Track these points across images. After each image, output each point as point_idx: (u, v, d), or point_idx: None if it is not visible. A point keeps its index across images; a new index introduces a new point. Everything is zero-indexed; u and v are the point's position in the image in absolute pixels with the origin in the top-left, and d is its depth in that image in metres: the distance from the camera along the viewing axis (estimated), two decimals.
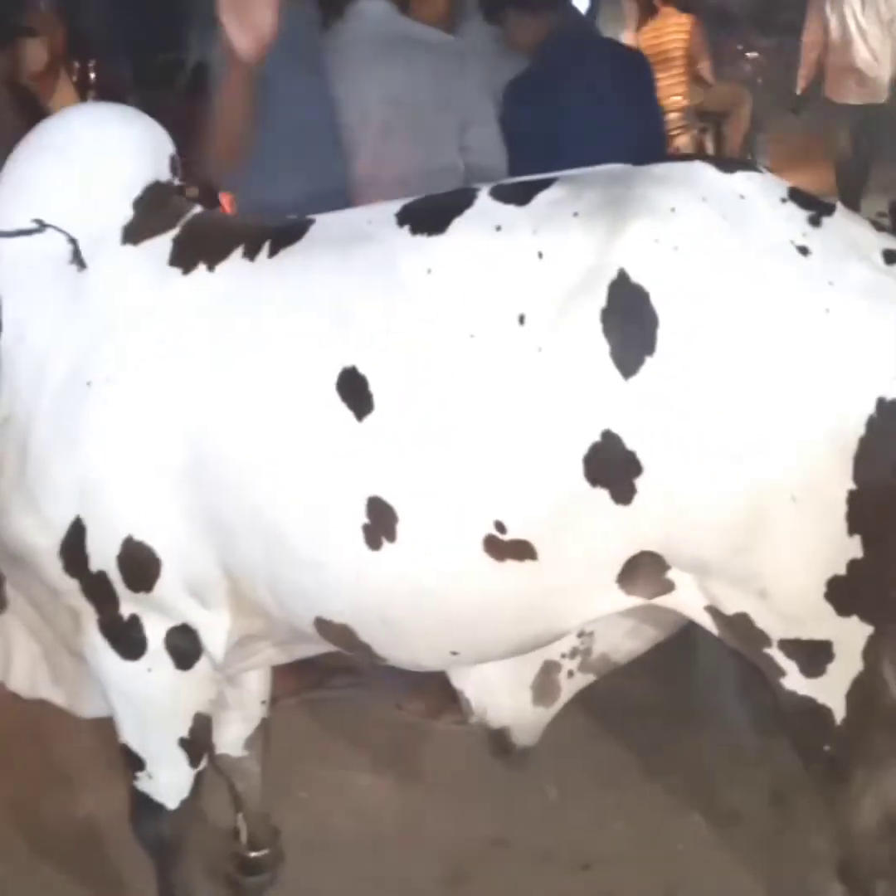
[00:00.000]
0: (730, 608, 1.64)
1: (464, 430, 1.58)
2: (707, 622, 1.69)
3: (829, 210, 1.62)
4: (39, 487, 1.73)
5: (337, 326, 1.64)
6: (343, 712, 2.85)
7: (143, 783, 1.91)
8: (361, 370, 1.61)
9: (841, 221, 1.62)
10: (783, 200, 1.61)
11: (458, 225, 1.66)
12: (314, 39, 2.71)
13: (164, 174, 1.86)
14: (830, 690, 1.68)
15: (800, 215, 1.59)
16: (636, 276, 1.54)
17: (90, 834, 2.43)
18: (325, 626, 1.74)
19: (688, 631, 1.83)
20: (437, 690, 2.50)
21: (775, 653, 1.66)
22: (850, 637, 1.64)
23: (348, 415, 1.61)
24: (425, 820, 2.49)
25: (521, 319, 1.57)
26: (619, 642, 1.92)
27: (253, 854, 2.32)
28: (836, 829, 1.86)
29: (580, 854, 2.39)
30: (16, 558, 1.82)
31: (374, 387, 1.61)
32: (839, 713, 1.69)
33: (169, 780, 1.91)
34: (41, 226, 1.76)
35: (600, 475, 1.56)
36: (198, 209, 1.87)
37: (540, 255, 1.59)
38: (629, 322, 1.54)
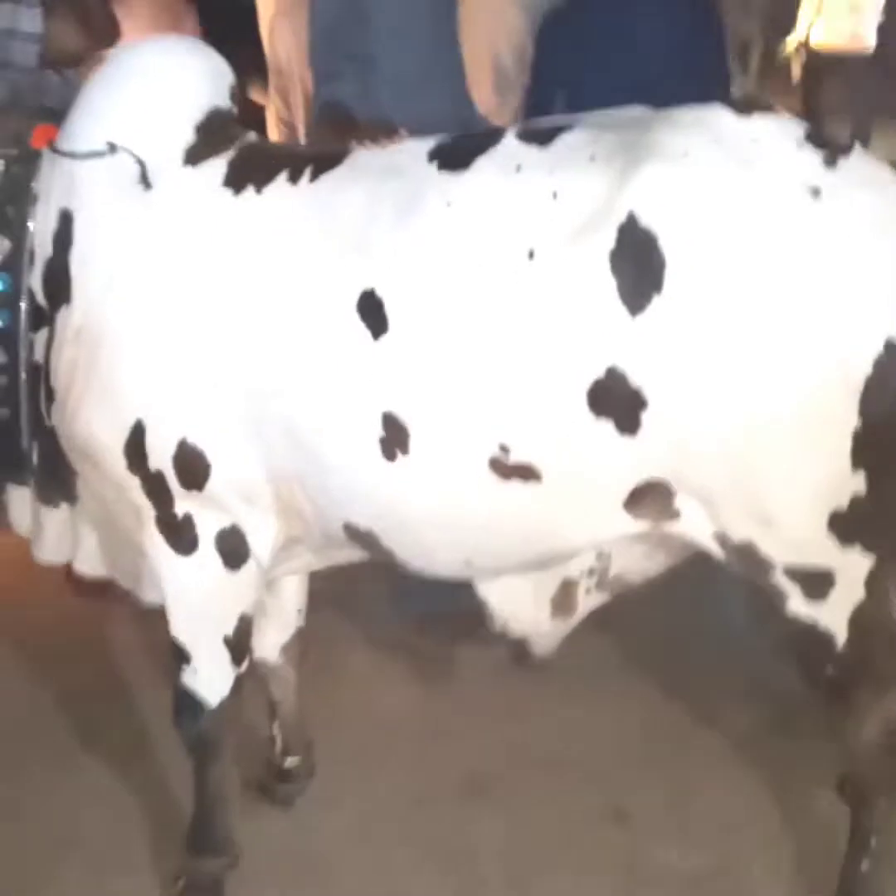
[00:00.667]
0: (735, 536, 1.71)
1: (470, 355, 1.67)
2: (714, 548, 1.76)
3: (845, 150, 1.64)
4: (107, 391, 1.87)
5: (361, 250, 1.74)
6: (371, 632, 2.96)
7: (188, 677, 2.03)
8: (379, 292, 1.71)
9: (858, 161, 1.64)
10: (799, 142, 1.63)
11: (481, 163, 1.73)
12: None
13: (225, 102, 1.97)
14: (832, 615, 1.75)
15: (815, 157, 1.61)
16: (645, 219, 1.59)
17: (138, 738, 2.56)
18: (352, 531, 1.86)
19: (707, 560, 1.89)
20: (459, 617, 2.59)
21: (779, 578, 1.73)
22: (852, 566, 1.70)
23: (367, 334, 1.71)
24: (445, 729, 2.59)
25: (531, 254, 1.64)
26: (633, 564, 1.99)
27: (287, 762, 2.44)
28: (840, 746, 1.94)
29: (592, 768, 2.49)
30: (87, 456, 1.96)
31: (389, 308, 1.70)
32: (841, 637, 1.76)
33: (211, 677, 2.03)
34: (112, 148, 1.89)
35: (604, 407, 1.62)
36: (253, 135, 1.98)
37: (554, 194, 1.65)
38: (637, 263, 1.58)
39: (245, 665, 2.07)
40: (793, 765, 2.41)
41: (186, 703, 2.06)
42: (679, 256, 1.57)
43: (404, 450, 1.72)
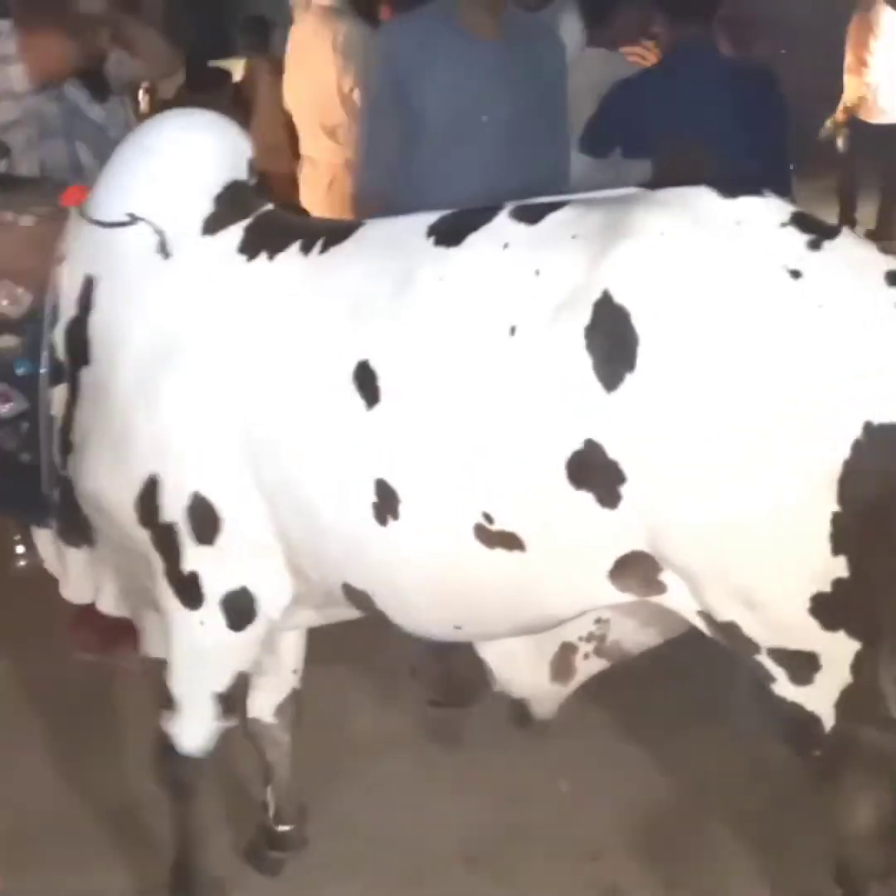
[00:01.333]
0: (719, 615, 1.69)
1: (455, 427, 1.70)
2: (701, 625, 1.75)
3: (831, 233, 1.64)
4: (121, 448, 1.93)
5: (358, 321, 1.79)
6: (365, 693, 2.96)
7: (171, 725, 2.08)
8: (372, 364, 1.76)
9: (844, 244, 1.63)
10: (783, 224, 1.63)
11: (472, 240, 1.77)
12: None
13: (242, 173, 2.04)
14: (819, 699, 1.72)
15: (798, 239, 1.61)
16: (619, 296, 1.60)
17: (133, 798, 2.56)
18: (350, 591, 1.89)
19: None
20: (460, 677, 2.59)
21: (765, 659, 1.71)
22: (837, 650, 1.68)
23: (361, 403, 1.76)
24: (440, 801, 2.57)
25: (512, 331, 1.67)
26: (631, 633, 2.00)
27: (279, 828, 2.42)
28: (832, 830, 1.91)
29: (590, 845, 2.45)
30: (100, 510, 2.02)
31: (381, 380, 1.75)
32: (828, 720, 1.73)
33: (193, 731, 2.08)
34: (133, 219, 1.97)
35: (584, 480, 1.63)
36: (271, 206, 2.04)
37: (537, 272, 1.68)
38: (611, 339, 1.60)
39: (232, 721, 2.11)
40: (793, 846, 2.35)
41: (166, 747, 2.10)
42: (651, 334, 1.59)
43: (395, 515, 1.76)
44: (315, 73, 4.64)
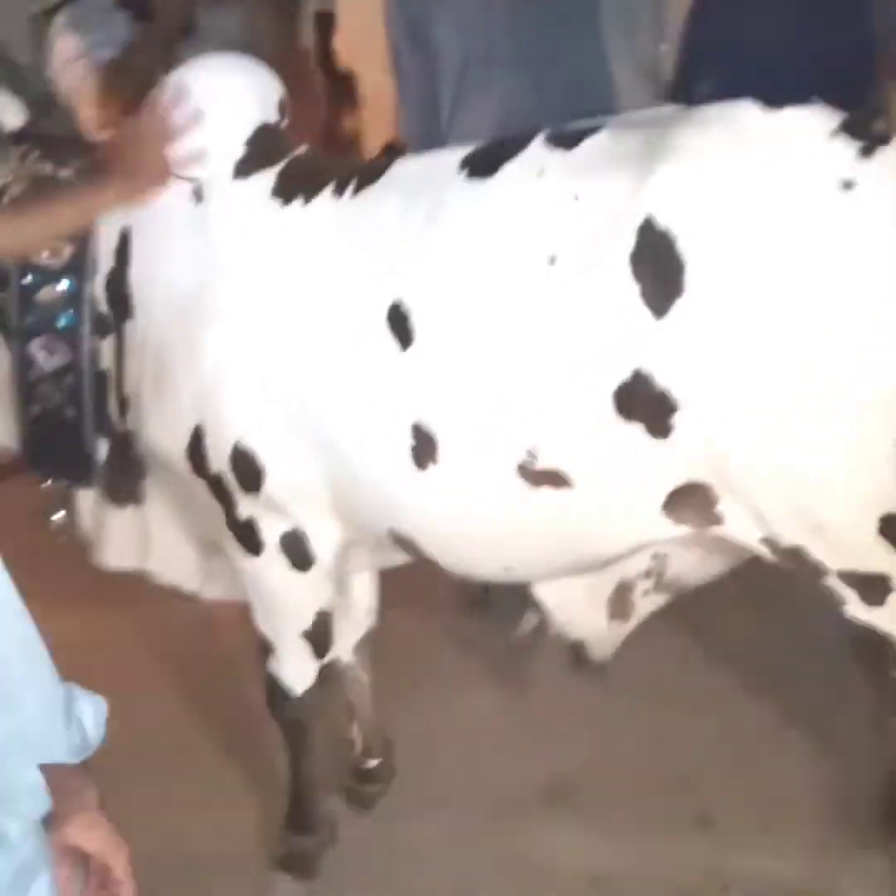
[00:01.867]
0: (784, 541, 1.66)
1: (494, 362, 1.67)
2: (764, 552, 1.71)
3: (885, 139, 1.56)
4: (169, 399, 1.95)
5: (390, 262, 1.77)
6: (443, 631, 2.98)
7: (274, 666, 2.12)
8: (405, 304, 1.73)
9: None
10: (832, 133, 1.56)
11: (506, 169, 1.73)
12: None
13: (273, 116, 2.01)
14: (892, 619, 1.69)
15: (849, 148, 1.54)
16: (663, 221, 1.56)
17: (249, 719, 2.58)
18: (396, 537, 1.89)
19: None
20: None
21: (835, 582, 1.68)
22: None
23: (395, 345, 1.73)
24: (525, 738, 2.58)
25: (552, 260, 1.63)
26: (691, 566, 1.96)
27: (367, 763, 2.47)
28: None
29: (678, 770, 2.45)
30: (160, 460, 2.06)
31: (415, 320, 1.72)
32: None
33: (295, 668, 2.11)
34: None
35: (633, 411, 1.60)
36: (302, 148, 2.02)
37: (576, 198, 1.64)
38: (658, 265, 1.56)
39: (329, 657, 2.15)
40: (886, 768, 2.29)
41: (275, 690, 2.15)
42: (698, 258, 1.54)
43: (434, 459, 1.74)
44: None
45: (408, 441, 1.75)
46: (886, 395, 1.52)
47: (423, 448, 1.74)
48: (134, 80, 2.11)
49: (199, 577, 2.23)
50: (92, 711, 1.12)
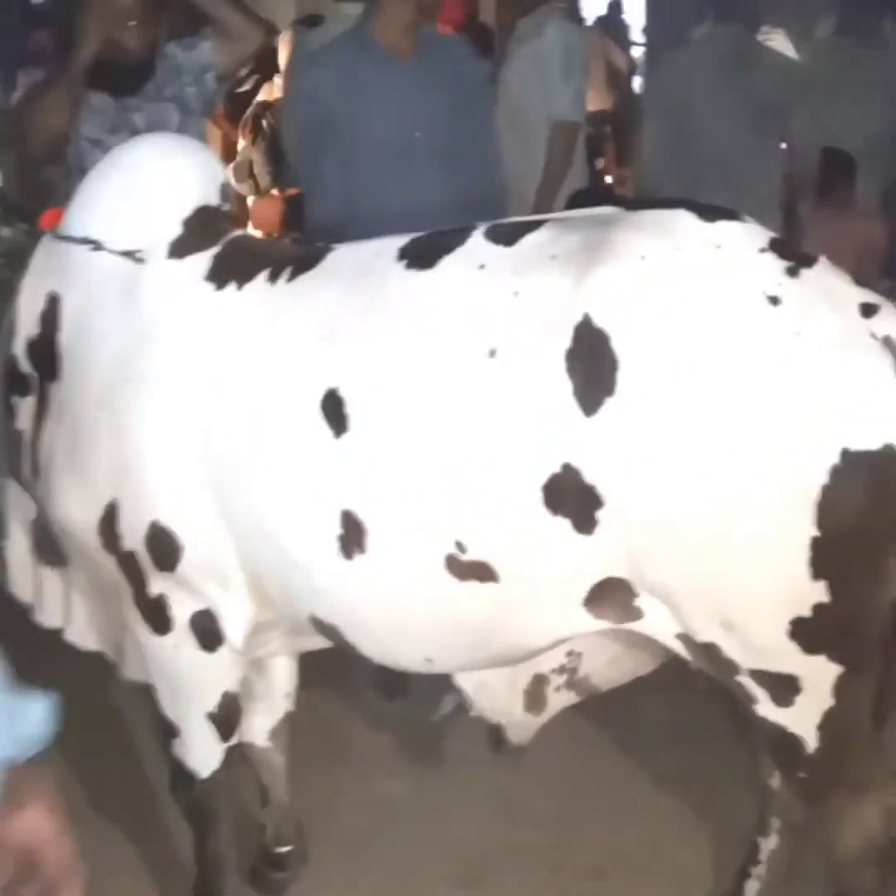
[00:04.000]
0: (698, 637, 1.69)
1: (427, 454, 1.68)
2: (679, 648, 1.75)
3: (809, 262, 1.64)
4: (84, 470, 1.92)
5: (327, 350, 1.78)
6: (362, 712, 2.97)
7: (178, 750, 2.09)
8: (341, 392, 1.74)
9: (821, 273, 1.63)
10: (762, 250, 1.63)
11: (447, 262, 1.76)
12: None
13: (214, 199, 2.04)
14: (801, 721, 1.72)
15: (777, 266, 1.61)
16: (599, 320, 1.60)
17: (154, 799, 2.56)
18: (318, 624, 1.88)
19: None
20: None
21: (746, 680, 1.71)
22: (818, 674, 1.67)
23: (328, 432, 1.74)
24: (442, 822, 2.57)
25: (492, 353, 1.66)
26: (602, 668, 1.99)
27: (278, 849, 2.44)
28: (824, 850, 1.90)
29: (594, 862, 2.46)
30: (67, 533, 2.01)
31: (350, 408, 1.73)
32: (811, 742, 1.72)
33: (199, 751, 2.08)
34: (96, 246, 1.97)
35: (561, 505, 1.63)
36: (240, 232, 2.04)
37: (516, 293, 1.67)
38: (591, 363, 1.60)
39: (235, 739, 2.11)
40: (800, 862, 2.30)
41: (179, 773, 2.11)
42: (631, 359, 1.58)
43: (361, 549, 1.74)
44: None
45: (336, 529, 1.75)
46: (798, 500, 1.56)
47: (351, 536, 1.74)
48: None
49: (117, 652, 2.19)
50: (40, 707, 1.11)
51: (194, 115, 2.92)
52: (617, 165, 5.54)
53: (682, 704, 2.75)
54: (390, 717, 2.93)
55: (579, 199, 5.28)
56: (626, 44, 6.72)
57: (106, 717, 2.89)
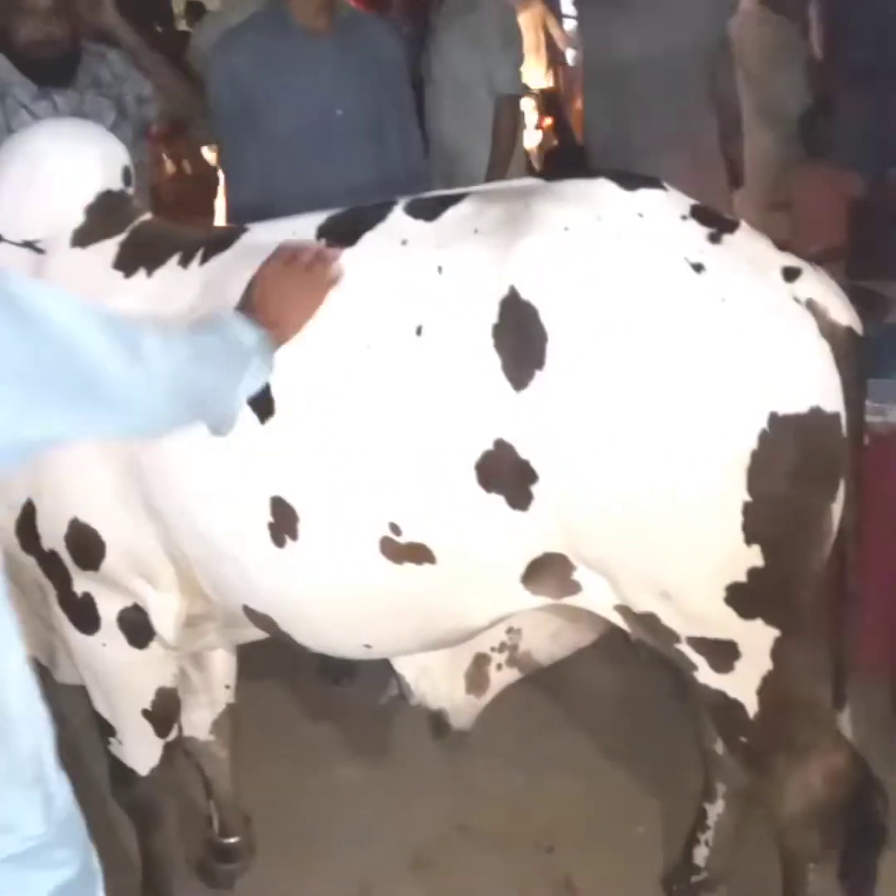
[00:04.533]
0: (637, 607, 1.69)
1: (358, 435, 1.65)
2: (619, 620, 1.75)
3: (731, 227, 1.63)
4: None
5: None
6: (307, 699, 2.94)
7: (115, 748, 2.06)
8: None
9: (743, 239, 1.63)
10: (683, 218, 1.62)
11: (368, 239, 1.72)
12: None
13: (116, 184, 1.97)
14: (740, 686, 1.72)
15: (699, 232, 1.60)
16: (525, 293, 1.58)
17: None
18: (251, 614, 1.85)
19: None
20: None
21: (685, 648, 1.71)
22: (756, 638, 1.68)
23: (253, 417, 1.69)
24: (392, 807, 2.56)
25: (419, 331, 1.63)
26: (543, 643, 2.00)
27: (225, 841, 2.42)
28: (766, 814, 1.92)
29: (543, 838, 2.47)
30: None
31: (275, 391, 1.67)
32: (751, 708, 1.73)
33: (137, 749, 2.05)
34: None
35: (495, 482, 1.61)
36: (147, 216, 1.98)
37: (440, 269, 1.64)
38: (519, 337, 1.58)
39: (173, 735, 2.08)
40: (751, 831, 2.33)
41: (118, 772, 2.09)
42: (559, 331, 1.57)
43: (293, 535, 1.70)
44: None
45: (265, 516, 1.71)
46: (729, 466, 1.56)
47: (282, 523, 1.70)
48: None
49: (48, 656, 2.14)
50: None
51: (129, 120, 2.91)
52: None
53: (626, 677, 2.77)
54: (336, 702, 2.92)
55: (553, 159, 5.38)
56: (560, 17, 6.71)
57: None
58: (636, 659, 2.36)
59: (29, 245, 1.88)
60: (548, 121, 6.04)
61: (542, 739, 2.70)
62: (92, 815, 2.37)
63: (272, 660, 2.41)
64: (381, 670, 2.71)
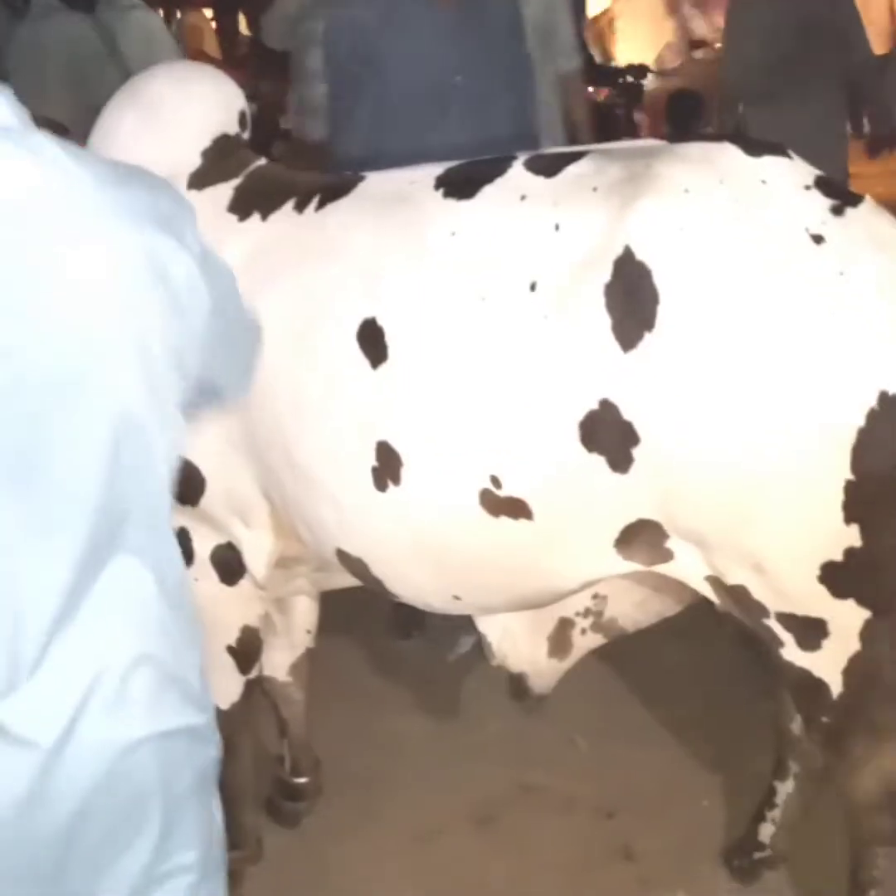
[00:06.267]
0: (728, 579, 1.69)
1: (467, 386, 1.66)
2: (708, 591, 1.74)
3: (855, 201, 1.61)
4: None
5: (364, 279, 1.75)
6: (377, 652, 2.99)
7: None
8: (380, 321, 1.71)
9: (866, 213, 1.61)
10: (807, 187, 1.60)
11: (487, 192, 1.73)
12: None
13: (233, 128, 2.00)
14: (827, 665, 1.72)
15: (822, 203, 1.58)
16: (640, 253, 1.57)
17: None
18: (344, 558, 1.87)
19: None
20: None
21: (773, 624, 1.71)
22: (846, 618, 1.67)
23: (365, 362, 1.71)
24: (456, 761, 2.59)
25: (533, 286, 1.63)
26: (628, 610, 1.99)
27: (294, 780, 2.47)
28: (839, 796, 1.91)
29: (605, 803, 2.48)
30: None
31: (389, 338, 1.70)
32: (836, 687, 1.73)
33: (219, 683, 2.05)
34: None
35: (597, 442, 1.61)
36: (262, 161, 2.00)
37: (556, 226, 1.64)
38: (631, 297, 1.57)
39: (254, 673, 2.13)
40: (815, 810, 2.32)
41: None
42: (672, 293, 1.56)
43: (396, 480, 1.73)
44: None
45: (370, 460, 1.73)
46: (834, 443, 1.55)
47: (386, 467, 1.72)
48: None
49: None
50: None
51: None
52: None
53: (700, 651, 2.77)
54: (406, 656, 2.96)
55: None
56: None
57: None
58: (711, 633, 2.40)
59: None
60: None
61: (609, 707, 2.71)
62: None
63: (347, 612, 2.46)
64: (450, 629, 2.78)
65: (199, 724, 1.22)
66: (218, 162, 1.95)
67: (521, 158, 1.76)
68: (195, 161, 1.94)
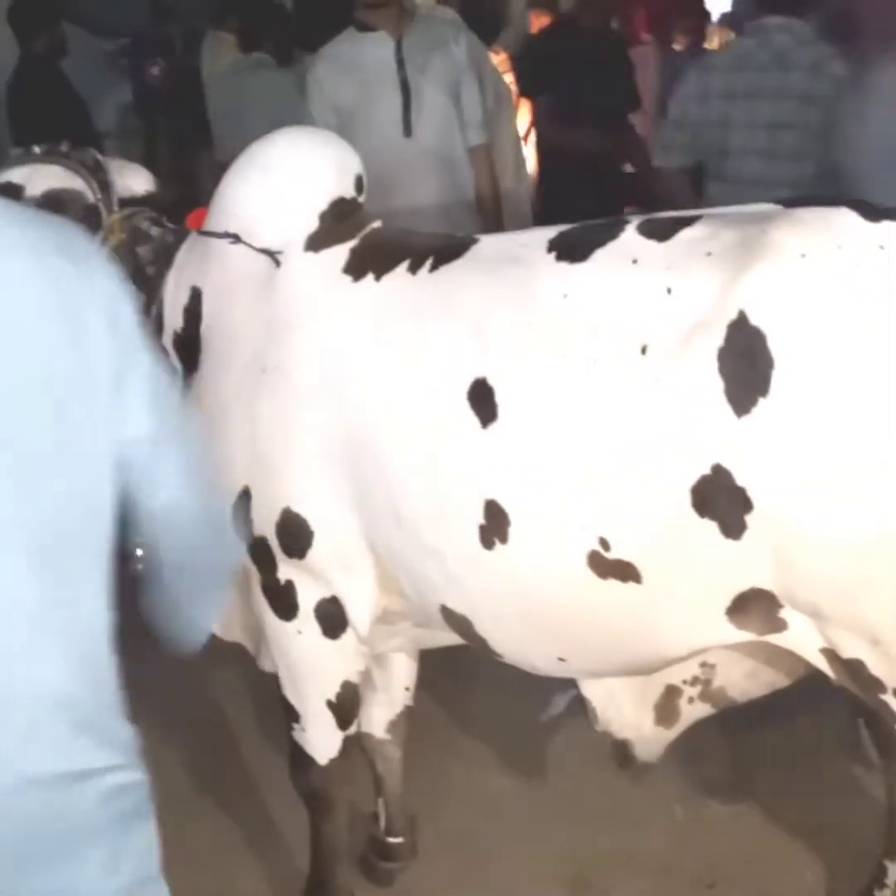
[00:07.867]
0: (844, 653, 1.65)
1: (577, 448, 1.66)
2: (823, 664, 1.71)
3: None
4: (218, 457, 1.91)
5: (476, 339, 1.76)
6: (478, 710, 2.96)
7: (298, 735, 2.11)
8: (491, 381, 1.73)
9: None
10: None
11: (599, 256, 1.74)
12: None
13: (349, 191, 2.04)
14: None
15: None
16: (755, 318, 1.56)
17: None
18: (448, 615, 1.87)
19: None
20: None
21: (890, 699, 1.66)
22: None
23: (475, 421, 1.73)
24: (550, 822, 2.55)
25: (644, 350, 1.63)
26: (738, 679, 1.96)
27: (389, 839, 2.45)
28: None
29: (704, 873, 2.41)
30: None
31: (500, 398, 1.72)
32: None
33: (318, 738, 2.10)
34: (236, 239, 1.99)
35: (709, 507, 1.59)
36: (378, 224, 2.05)
37: (669, 290, 1.64)
38: (745, 362, 1.56)
39: (353, 729, 2.13)
40: None
41: (298, 758, 2.14)
42: (788, 359, 1.55)
43: (503, 539, 1.73)
44: None
45: (477, 517, 1.74)
46: None
47: (493, 526, 1.73)
48: None
49: (254, 644, 2.20)
50: None
51: None
52: None
53: (808, 717, 2.70)
54: (500, 715, 2.92)
55: None
56: None
57: (210, 713, 2.97)
58: (818, 700, 2.34)
59: (267, 252, 1.96)
60: None
61: (710, 773, 2.65)
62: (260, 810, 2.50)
63: (442, 667, 2.45)
64: (545, 690, 2.75)
65: (117, 765, 1.23)
66: (335, 224, 1.98)
67: (635, 222, 1.77)
68: (313, 223, 1.98)
